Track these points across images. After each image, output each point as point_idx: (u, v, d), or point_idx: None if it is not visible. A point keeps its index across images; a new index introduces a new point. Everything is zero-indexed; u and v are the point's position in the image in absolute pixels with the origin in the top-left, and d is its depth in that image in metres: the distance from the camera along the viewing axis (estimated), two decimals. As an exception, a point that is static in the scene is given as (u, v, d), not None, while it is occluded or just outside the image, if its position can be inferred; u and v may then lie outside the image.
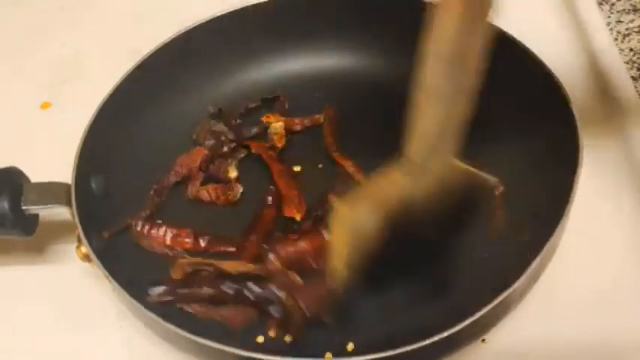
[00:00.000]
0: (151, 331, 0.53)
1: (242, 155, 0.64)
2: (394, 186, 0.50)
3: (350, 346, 0.51)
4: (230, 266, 0.54)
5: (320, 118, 0.66)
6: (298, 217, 0.59)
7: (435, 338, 0.46)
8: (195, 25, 0.67)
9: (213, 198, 0.61)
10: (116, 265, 0.52)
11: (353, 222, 0.50)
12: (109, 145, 0.62)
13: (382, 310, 0.54)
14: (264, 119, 0.67)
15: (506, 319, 0.51)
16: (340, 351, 0.51)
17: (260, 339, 0.52)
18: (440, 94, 0.47)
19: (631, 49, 0.71)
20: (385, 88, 0.68)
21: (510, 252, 0.53)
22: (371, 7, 0.68)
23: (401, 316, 0.53)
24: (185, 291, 0.54)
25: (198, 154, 0.63)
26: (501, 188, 0.52)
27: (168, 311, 0.51)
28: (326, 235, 0.55)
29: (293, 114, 0.67)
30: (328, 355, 0.49)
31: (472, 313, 0.47)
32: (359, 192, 0.52)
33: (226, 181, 0.62)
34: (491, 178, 0.52)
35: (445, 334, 0.46)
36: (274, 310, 0.53)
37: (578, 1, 0.74)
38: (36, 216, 0.58)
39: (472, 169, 0.51)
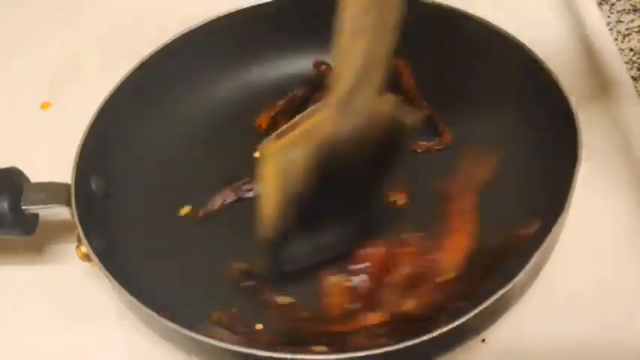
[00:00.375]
0: (151, 331, 0.53)
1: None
2: (322, 124, 0.50)
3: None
4: None
5: None
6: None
7: (435, 334, 0.46)
8: (195, 25, 0.67)
9: None
10: (116, 265, 0.52)
11: (283, 162, 0.50)
12: (109, 145, 0.62)
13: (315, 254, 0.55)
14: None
15: (507, 318, 0.51)
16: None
17: (259, 326, 0.53)
18: (361, 29, 0.47)
19: (631, 49, 0.71)
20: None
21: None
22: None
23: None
24: None
25: None
26: (420, 118, 0.54)
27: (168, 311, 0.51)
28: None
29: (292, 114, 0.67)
30: (322, 348, 0.50)
31: (472, 309, 0.47)
32: (286, 131, 0.52)
33: None
34: (412, 116, 0.53)
35: (445, 329, 0.46)
36: None
37: (578, 1, 0.74)
38: (36, 216, 0.58)
39: (395, 104, 0.52)
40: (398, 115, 0.52)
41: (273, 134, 0.51)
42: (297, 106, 0.67)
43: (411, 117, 0.53)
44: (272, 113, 0.67)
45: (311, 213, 0.52)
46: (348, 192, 0.53)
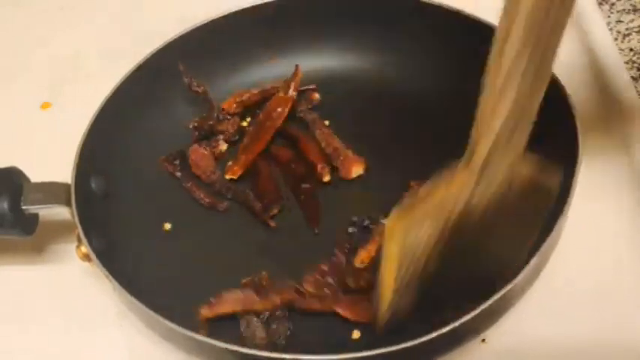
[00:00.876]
0: (151, 331, 0.53)
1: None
2: (454, 193, 0.43)
3: (356, 334, 0.51)
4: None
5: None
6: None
7: (435, 334, 0.46)
8: (195, 26, 0.67)
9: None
10: (116, 265, 0.52)
11: (407, 237, 0.44)
12: (109, 145, 0.62)
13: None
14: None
15: (507, 318, 0.51)
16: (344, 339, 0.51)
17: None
18: (514, 78, 0.40)
19: (631, 49, 0.71)
20: (385, 88, 0.68)
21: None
22: (371, 7, 0.68)
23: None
24: None
25: None
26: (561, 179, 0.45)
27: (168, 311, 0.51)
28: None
29: (292, 114, 0.67)
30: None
31: (472, 309, 0.47)
32: (413, 205, 0.44)
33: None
34: (555, 179, 0.46)
35: (445, 329, 0.46)
36: None
37: (578, 1, 0.74)
38: (36, 216, 0.58)
39: (537, 167, 0.45)
40: (541, 178, 0.45)
41: (398, 208, 0.44)
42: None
43: (556, 178, 0.46)
44: (239, 99, 0.67)
45: (429, 291, 0.47)
46: (473, 268, 0.47)
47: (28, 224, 0.57)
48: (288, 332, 0.53)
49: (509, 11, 0.40)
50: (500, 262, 0.48)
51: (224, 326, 0.53)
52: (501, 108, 0.41)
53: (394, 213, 0.44)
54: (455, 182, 0.43)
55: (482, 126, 0.42)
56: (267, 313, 0.53)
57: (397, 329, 0.48)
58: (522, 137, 0.43)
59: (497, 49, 0.41)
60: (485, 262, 0.47)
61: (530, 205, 0.46)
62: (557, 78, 0.57)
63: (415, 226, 0.44)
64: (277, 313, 0.53)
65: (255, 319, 0.53)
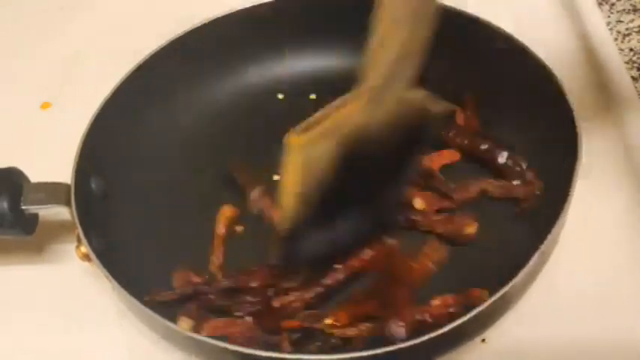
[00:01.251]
0: (151, 330, 0.53)
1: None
2: (350, 116, 0.49)
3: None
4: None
5: None
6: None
7: (435, 334, 0.46)
8: (195, 26, 0.67)
9: None
10: (116, 265, 0.52)
11: (307, 154, 0.48)
12: (109, 145, 0.62)
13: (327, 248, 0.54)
14: None
15: (506, 318, 0.51)
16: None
17: None
18: (400, 16, 0.46)
19: (631, 49, 0.71)
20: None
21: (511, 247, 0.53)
22: (371, 7, 0.68)
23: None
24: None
25: None
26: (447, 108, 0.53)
27: (168, 310, 0.51)
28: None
29: (293, 114, 0.67)
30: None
31: (471, 309, 0.47)
32: (313, 121, 0.49)
33: None
34: (446, 105, 0.52)
35: (444, 330, 0.46)
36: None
37: (578, 1, 0.74)
38: (36, 216, 0.58)
39: (424, 96, 0.50)
40: (426, 105, 0.51)
41: (300, 124, 0.48)
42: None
43: (439, 106, 0.52)
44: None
45: (330, 208, 0.51)
46: (369, 188, 0.52)
47: (28, 224, 0.57)
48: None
49: None
50: (392, 178, 0.54)
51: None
52: (392, 44, 0.47)
53: (295, 129, 0.48)
54: (351, 104, 0.49)
55: (376, 58, 0.48)
56: None
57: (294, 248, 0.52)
58: (411, 69, 0.48)
59: None
60: (381, 179, 0.53)
61: (415, 127, 0.51)
62: (557, 78, 0.57)
63: (316, 142, 0.48)
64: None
65: None
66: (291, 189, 0.49)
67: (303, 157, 0.48)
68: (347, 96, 0.49)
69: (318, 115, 0.49)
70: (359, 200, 0.53)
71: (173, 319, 0.49)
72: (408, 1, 0.46)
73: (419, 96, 0.50)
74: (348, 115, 0.49)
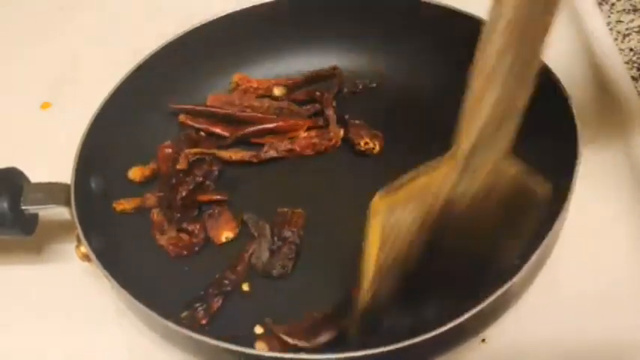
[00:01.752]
0: (151, 330, 0.53)
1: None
2: (438, 182, 0.45)
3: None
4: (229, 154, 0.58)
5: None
6: None
7: (433, 334, 0.46)
8: (195, 26, 0.67)
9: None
10: (116, 265, 0.52)
11: (389, 219, 0.45)
12: (109, 145, 0.62)
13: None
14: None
15: (507, 318, 0.51)
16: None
17: (258, 329, 0.53)
18: (499, 73, 0.42)
19: (631, 49, 0.71)
20: (385, 88, 0.68)
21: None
22: (371, 7, 0.68)
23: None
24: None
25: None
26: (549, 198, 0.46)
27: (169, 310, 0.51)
28: None
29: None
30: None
31: (470, 309, 0.46)
32: (398, 187, 0.45)
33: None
34: (543, 186, 0.46)
35: (443, 329, 0.46)
36: None
37: (578, 1, 0.74)
38: (35, 216, 0.58)
39: (524, 170, 0.46)
40: (527, 183, 0.46)
41: (384, 189, 0.45)
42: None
43: (543, 187, 0.46)
44: None
45: (412, 281, 0.47)
46: (456, 263, 0.48)
47: (27, 224, 0.57)
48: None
49: (493, 9, 0.41)
50: (483, 259, 0.49)
51: (224, 326, 0.53)
52: (485, 104, 0.43)
53: (379, 194, 0.45)
54: (439, 171, 0.45)
55: (468, 120, 0.43)
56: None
57: (374, 324, 0.49)
58: (507, 134, 0.44)
59: (482, 46, 0.42)
60: (469, 258, 0.48)
61: (514, 206, 0.47)
62: (556, 78, 0.57)
63: (399, 207, 0.45)
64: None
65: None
66: (373, 258, 0.46)
67: (385, 221, 0.45)
68: (435, 161, 0.45)
69: (403, 178, 0.45)
70: (441, 277, 0.48)
71: (173, 319, 0.49)
72: (508, 53, 0.41)
73: (516, 170, 0.46)
74: (434, 181, 0.45)
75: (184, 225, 0.59)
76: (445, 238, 0.47)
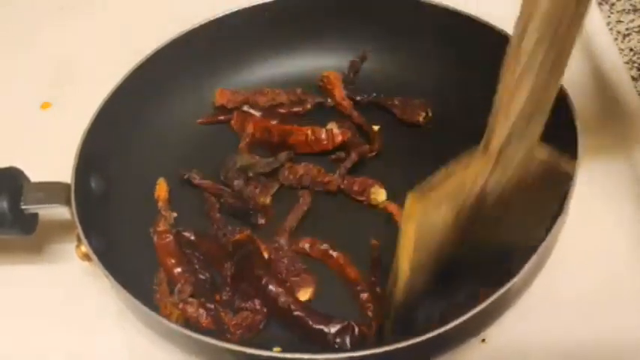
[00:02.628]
0: (151, 330, 0.53)
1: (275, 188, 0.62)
2: (472, 178, 0.45)
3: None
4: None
5: None
6: None
7: (435, 333, 0.46)
8: (195, 25, 0.67)
9: None
10: (116, 265, 0.52)
11: (423, 218, 0.45)
12: (109, 145, 0.62)
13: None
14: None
15: (507, 318, 0.51)
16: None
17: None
18: (533, 65, 0.42)
19: (631, 49, 0.71)
20: (385, 88, 0.68)
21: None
22: (371, 7, 0.68)
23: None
24: None
25: None
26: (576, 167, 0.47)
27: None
28: None
29: (292, 115, 0.68)
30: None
31: (470, 309, 0.47)
32: (432, 187, 0.45)
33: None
34: (571, 164, 0.47)
35: (443, 329, 0.46)
36: None
37: (578, 1, 0.74)
38: (35, 215, 0.58)
39: (553, 153, 0.46)
40: (557, 163, 0.46)
41: (417, 189, 0.45)
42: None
43: (569, 166, 0.47)
44: None
45: (443, 274, 0.48)
46: (485, 252, 0.48)
47: (27, 224, 0.57)
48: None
49: (526, 6, 0.41)
50: (516, 247, 0.49)
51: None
52: (518, 97, 0.43)
53: (412, 195, 0.45)
54: (472, 166, 0.45)
55: (500, 114, 0.44)
56: None
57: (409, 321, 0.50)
58: (538, 125, 0.44)
59: (515, 42, 0.42)
60: (501, 247, 0.49)
61: (546, 190, 0.47)
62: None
63: (432, 208, 0.45)
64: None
65: None
66: (407, 256, 0.46)
67: (419, 224, 0.45)
68: (468, 156, 0.45)
69: (436, 177, 0.45)
70: (473, 269, 0.49)
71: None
72: (539, 48, 0.41)
73: (545, 154, 0.46)
74: (467, 179, 0.45)
75: (241, 304, 0.54)
76: (476, 229, 0.47)
